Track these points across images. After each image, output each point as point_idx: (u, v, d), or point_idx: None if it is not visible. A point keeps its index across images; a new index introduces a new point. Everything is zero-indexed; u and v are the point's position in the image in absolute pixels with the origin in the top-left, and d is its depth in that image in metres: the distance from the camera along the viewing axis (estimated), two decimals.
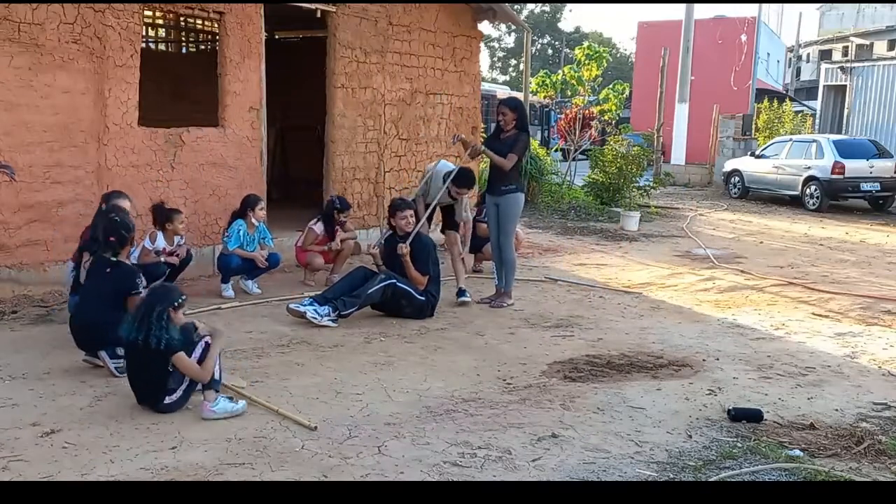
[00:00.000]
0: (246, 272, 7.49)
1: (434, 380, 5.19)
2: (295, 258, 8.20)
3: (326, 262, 8.02)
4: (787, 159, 17.95)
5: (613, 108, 17.25)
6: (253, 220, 7.38)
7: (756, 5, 32.93)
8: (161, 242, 6.86)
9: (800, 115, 27.28)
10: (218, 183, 8.07)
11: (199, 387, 4.49)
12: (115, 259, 5.25)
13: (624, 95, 17.56)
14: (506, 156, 7.13)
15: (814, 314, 7.46)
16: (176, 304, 4.50)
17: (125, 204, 6.16)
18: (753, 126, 24.42)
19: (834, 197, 16.97)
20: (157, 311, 4.43)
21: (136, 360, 4.49)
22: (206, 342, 4.50)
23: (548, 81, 17.48)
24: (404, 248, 6.71)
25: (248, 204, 7.40)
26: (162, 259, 6.91)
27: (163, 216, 6.83)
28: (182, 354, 4.41)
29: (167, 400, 4.42)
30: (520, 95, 16.34)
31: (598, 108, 17.47)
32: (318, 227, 7.90)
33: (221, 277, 7.39)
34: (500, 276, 7.48)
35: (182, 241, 7.12)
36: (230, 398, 4.49)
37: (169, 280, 6.96)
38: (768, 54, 38.46)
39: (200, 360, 4.44)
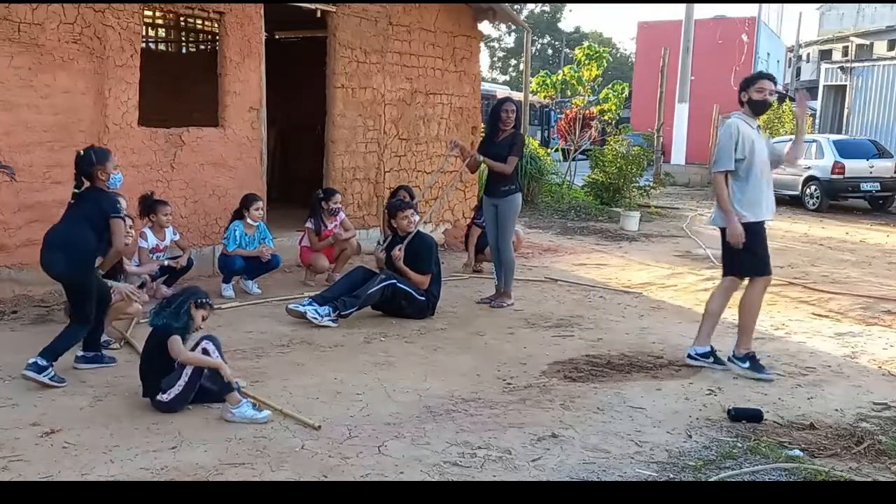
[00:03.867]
0: (247, 272, 7.49)
1: (434, 380, 5.19)
2: (298, 257, 8.21)
3: (329, 263, 8.02)
4: None
5: (613, 108, 17.26)
6: (249, 220, 7.38)
7: (756, 5, 32.95)
8: (152, 239, 6.88)
9: None
10: (218, 183, 8.06)
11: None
12: (82, 189, 5.13)
13: (624, 95, 17.58)
14: (506, 160, 7.16)
15: (814, 314, 7.46)
16: (199, 301, 4.63)
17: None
18: None
19: (834, 197, 16.98)
20: (179, 300, 4.61)
21: (146, 349, 4.61)
22: (205, 349, 4.51)
23: (548, 81, 17.49)
24: (398, 252, 6.72)
25: (244, 204, 7.41)
26: (165, 262, 6.93)
27: (147, 207, 6.84)
28: (177, 338, 4.47)
29: (160, 397, 4.43)
30: (520, 95, 16.35)
31: (598, 108, 17.48)
32: (311, 223, 7.94)
33: (222, 278, 7.39)
34: (500, 276, 7.48)
35: (177, 237, 7.13)
36: (254, 405, 4.45)
37: (168, 283, 6.98)
38: (768, 54, 38.47)
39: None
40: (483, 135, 8.88)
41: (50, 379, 4.76)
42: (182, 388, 4.41)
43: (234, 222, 7.38)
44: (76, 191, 5.14)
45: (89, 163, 5.11)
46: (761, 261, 5.49)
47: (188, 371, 4.42)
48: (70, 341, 4.97)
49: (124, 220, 5.09)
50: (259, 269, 7.50)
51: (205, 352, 4.47)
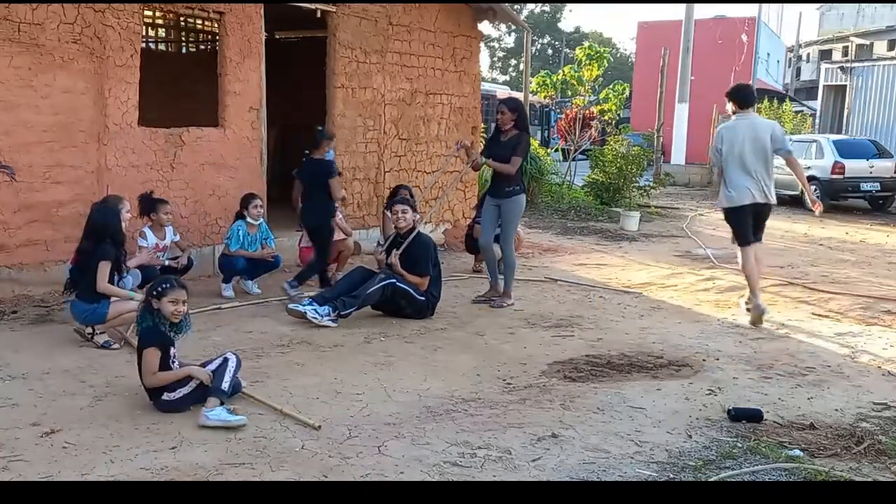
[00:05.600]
0: (248, 272, 7.48)
1: (434, 380, 5.19)
2: (298, 258, 8.20)
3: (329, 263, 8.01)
4: None
5: (613, 108, 17.25)
6: (249, 220, 7.37)
7: (756, 5, 32.95)
8: (152, 238, 6.88)
9: (800, 115, 27.29)
10: (218, 183, 8.07)
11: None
12: (310, 156, 7.52)
13: (624, 95, 17.57)
14: (509, 160, 7.13)
15: (814, 314, 7.46)
16: (154, 292, 4.50)
17: (124, 205, 6.20)
18: None
19: (834, 197, 16.96)
20: (143, 303, 4.56)
21: (137, 356, 4.56)
22: (226, 358, 4.54)
23: (548, 81, 17.48)
24: (394, 259, 6.71)
25: (243, 203, 7.42)
26: (165, 262, 6.93)
27: (148, 206, 6.84)
28: (151, 351, 4.41)
29: (165, 396, 4.41)
30: (520, 95, 16.36)
31: (598, 108, 17.48)
32: None
33: (223, 277, 7.39)
34: (495, 275, 7.48)
35: (177, 238, 7.13)
36: (230, 409, 4.39)
37: None
38: (768, 54, 38.48)
39: (214, 371, 4.46)
40: (484, 135, 8.88)
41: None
42: (192, 389, 4.41)
43: (237, 222, 7.39)
44: (307, 152, 7.67)
45: (322, 137, 7.63)
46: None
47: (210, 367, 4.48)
48: (314, 271, 7.44)
49: (339, 177, 7.72)
50: (259, 268, 7.50)
51: (225, 361, 4.50)
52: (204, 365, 4.57)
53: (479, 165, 7.72)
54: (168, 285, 4.54)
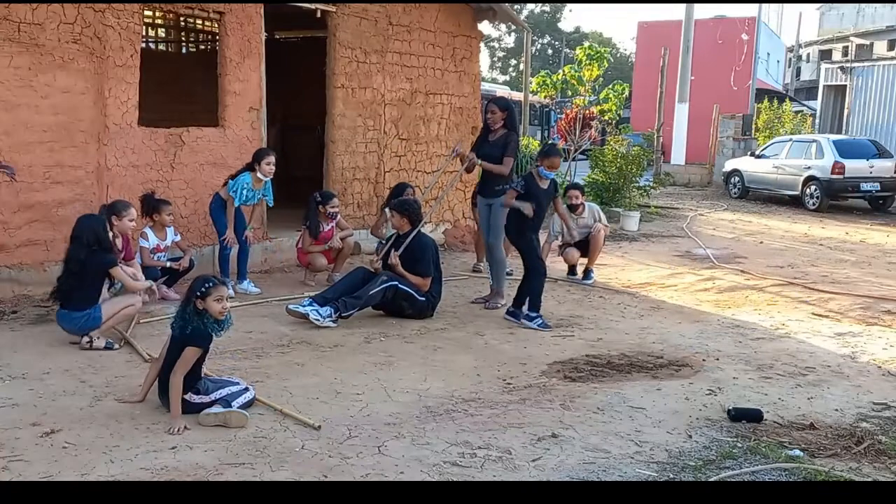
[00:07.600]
0: (240, 264, 7.45)
1: (434, 380, 5.19)
2: (297, 258, 8.20)
3: (328, 263, 8.01)
4: (787, 159, 17.95)
5: (613, 108, 17.23)
6: (259, 175, 7.33)
7: (756, 5, 32.95)
8: (153, 239, 6.88)
9: (800, 115, 27.28)
10: (218, 183, 8.03)
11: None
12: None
13: (624, 95, 17.55)
14: (501, 160, 7.14)
15: (814, 314, 7.46)
16: (198, 293, 4.39)
17: (131, 211, 6.21)
18: (753, 126, 24.42)
19: (834, 197, 16.97)
20: (184, 303, 4.46)
21: (168, 360, 4.45)
22: (248, 388, 4.57)
23: (548, 81, 17.46)
24: (395, 259, 6.70)
25: (257, 157, 7.34)
26: (167, 263, 6.92)
27: (150, 206, 6.84)
28: (194, 350, 4.32)
29: (191, 397, 4.36)
30: (520, 95, 16.33)
31: (598, 108, 17.46)
32: (307, 225, 7.89)
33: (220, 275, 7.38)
34: (494, 275, 7.47)
35: (177, 238, 7.14)
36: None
37: (168, 284, 6.98)
38: (768, 54, 38.47)
39: (242, 404, 4.45)
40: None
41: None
42: (211, 400, 4.38)
43: (244, 175, 7.30)
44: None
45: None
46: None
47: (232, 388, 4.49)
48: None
49: None
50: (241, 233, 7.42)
51: (246, 389, 4.53)
52: (224, 385, 4.54)
53: (472, 167, 7.71)
54: (210, 284, 4.43)
